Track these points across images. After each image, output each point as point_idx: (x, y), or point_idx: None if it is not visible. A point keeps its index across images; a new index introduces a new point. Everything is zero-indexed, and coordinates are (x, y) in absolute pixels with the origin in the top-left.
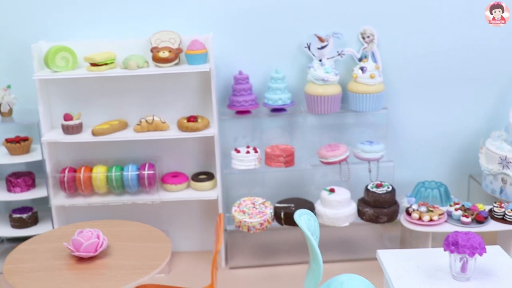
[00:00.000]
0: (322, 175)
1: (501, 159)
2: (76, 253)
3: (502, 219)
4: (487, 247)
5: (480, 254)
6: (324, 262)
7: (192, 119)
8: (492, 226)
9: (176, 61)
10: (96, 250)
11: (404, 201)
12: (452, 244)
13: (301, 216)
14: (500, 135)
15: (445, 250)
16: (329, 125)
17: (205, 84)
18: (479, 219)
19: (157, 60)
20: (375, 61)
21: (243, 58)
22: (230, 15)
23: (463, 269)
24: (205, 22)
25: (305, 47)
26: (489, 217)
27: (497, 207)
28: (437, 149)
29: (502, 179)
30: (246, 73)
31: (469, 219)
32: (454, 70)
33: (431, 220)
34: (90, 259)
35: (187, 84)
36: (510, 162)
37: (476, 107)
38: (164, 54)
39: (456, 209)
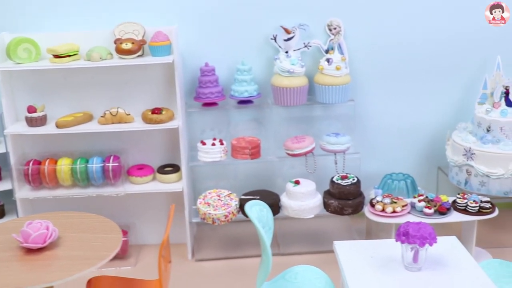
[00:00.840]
0: (290, 167)
1: (466, 151)
2: (25, 244)
3: (465, 210)
4: (443, 237)
5: (430, 244)
6: (290, 254)
7: (156, 111)
8: (455, 217)
9: (139, 53)
10: (44, 241)
11: (371, 193)
12: (403, 234)
13: (252, 207)
14: (466, 127)
15: (396, 240)
16: (297, 117)
17: (171, 76)
18: (442, 210)
19: (120, 51)
20: (341, 52)
21: (210, 50)
22: (197, 6)
23: (415, 259)
24: (170, 14)
25: (271, 39)
26: (452, 208)
27: (460, 198)
28: (406, 141)
29: (467, 171)
30: (213, 65)
31: (431, 210)
32: (421, 62)
33: (394, 211)
34: (39, 250)
35: (152, 76)
36: (474, 154)
37: (444, 99)
38: (127, 46)
39: (419, 201)
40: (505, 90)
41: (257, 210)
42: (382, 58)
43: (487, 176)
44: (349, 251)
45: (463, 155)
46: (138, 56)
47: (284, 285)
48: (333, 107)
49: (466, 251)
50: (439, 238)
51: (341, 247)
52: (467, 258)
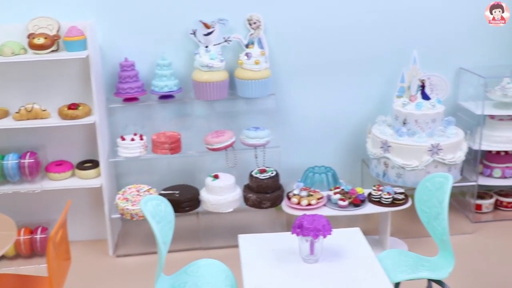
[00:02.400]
0: (212, 162)
1: (383, 143)
2: None
3: (379, 202)
4: (346, 229)
5: (324, 236)
6: (211, 248)
7: (72, 106)
8: (368, 208)
9: (54, 48)
10: None
11: (294, 186)
12: (297, 227)
13: (148, 202)
14: (385, 120)
15: (292, 233)
16: (219, 112)
17: (88, 71)
18: (356, 202)
19: (33, 46)
20: (261, 47)
21: (130, 45)
22: (115, 1)
23: (311, 251)
24: (86, 9)
25: (191, 34)
26: (366, 200)
27: (375, 190)
28: (329, 134)
29: (385, 163)
30: (133, 60)
31: (346, 203)
32: (342, 55)
33: (309, 204)
34: None
35: (69, 71)
36: (390, 146)
37: (365, 93)
38: (40, 41)
39: (335, 193)
40: (421, 84)
41: (153, 205)
42: (303, 52)
43: (403, 168)
44: (252, 245)
45: (380, 147)
46: (52, 51)
47: (185, 279)
48: (255, 101)
49: (366, 242)
50: (341, 230)
51: (244, 240)
52: (365, 249)
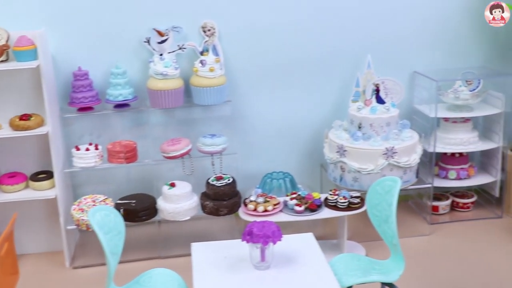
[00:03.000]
0: (169, 170)
1: (339, 148)
2: None
3: (335, 206)
4: (299, 235)
5: (274, 242)
6: (169, 257)
7: (24, 117)
8: (324, 213)
9: (3, 58)
10: None
11: (252, 193)
12: (247, 234)
13: (96, 213)
14: (341, 125)
15: (242, 240)
16: (176, 120)
17: (40, 81)
18: (312, 207)
19: None
20: (216, 54)
21: (83, 54)
22: (67, 10)
23: (262, 258)
24: (37, 18)
25: (145, 42)
26: (323, 205)
27: (331, 194)
28: (288, 140)
29: (341, 167)
30: (87, 69)
31: (302, 208)
32: (298, 61)
33: (265, 210)
34: None
35: (20, 82)
36: (346, 151)
37: (322, 97)
38: None
39: (291, 199)
40: (375, 88)
41: (102, 215)
42: (259, 59)
43: (359, 172)
44: (205, 253)
45: (336, 152)
46: (2, 61)
47: None
48: (211, 108)
49: (318, 247)
50: (294, 236)
51: (197, 249)
52: (317, 254)
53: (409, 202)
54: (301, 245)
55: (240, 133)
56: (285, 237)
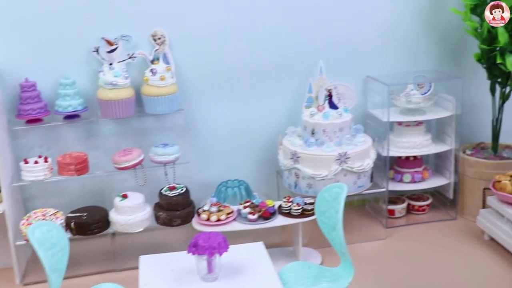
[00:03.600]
0: (122, 181)
1: (292, 154)
2: None
3: (289, 213)
4: (248, 244)
5: (220, 254)
6: (123, 270)
7: None
8: (278, 221)
9: None
10: None
11: (208, 202)
12: (193, 245)
13: (36, 229)
14: (295, 131)
15: (188, 252)
16: (128, 130)
17: None
18: (265, 215)
19: None
20: (167, 62)
21: (31, 65)
22: (11, 19)
23: (209, 269)
24: None
25: (94, 51)
26: (277, 212)
27: (285, 202)
28: (243, 147)
29: (295, 174)
30: (34, 80)
31: (255, 216)
32: (251, 67)
33: (218, 220)
34: None
35: None
36: (300, 157)
37: (276, 104)
38: None
39: (244, 207)
40: (328, 93)
41: (43, 231)
42: (211, 66)
43: (313, 178)
44: (153, 266)
45: (290, 158)
46: None
47: None
48: (163, 117)
49: (268, 257)
50: (244, 245)
51: (145, 261)
52: (266, 264)
53: (366, 206)
54: (250, 255)
55: (194, 142)
56: (234, 248)
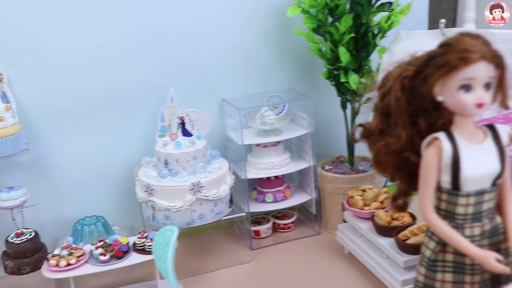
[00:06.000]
0: None
1: (146, 187)
2: None
3: (143, 250)
4: None
5: None
6: None
7: None
8: (131, 259)
9: None
10: None
11: (65, 242)
12: None
13: None
14: (150, 161)
15: None
16: None
17: None
18: (118, 255)
19: None
20: (7, 101)
21: None
22: None
23: None
24: None
25: None
26: (131, 250)
27: (139, 238)
28: (101, 181)
29: (152, 206)
30: None
31: (107, 257)
32: (102, 99)
33: (68, 264)
34: None
35: None
36: (154, 189)
37: (132, 134)
38: None
39: (96, 248)
40: (181, 121)
41: None
42: (57, 100)
43: (168, 209)
44: None
45: (145, 191)
46: None
47: None
48: (8, 159)
49: None
50: None
51: None
52: None
53: (234, 227)
54: None
55: (46, 180)
56: None
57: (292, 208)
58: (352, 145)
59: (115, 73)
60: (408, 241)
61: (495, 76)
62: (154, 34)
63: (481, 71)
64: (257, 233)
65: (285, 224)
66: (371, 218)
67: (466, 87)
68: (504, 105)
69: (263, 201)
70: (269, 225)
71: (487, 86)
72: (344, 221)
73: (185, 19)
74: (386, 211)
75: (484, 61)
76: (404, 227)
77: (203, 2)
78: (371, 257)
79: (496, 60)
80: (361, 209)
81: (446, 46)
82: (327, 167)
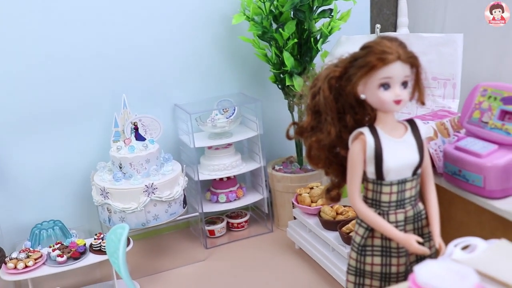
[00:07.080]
0: None
1: (102, 190)
2: None
3: (99, 250)
4: None
5: None
6: None
7: None
8: (88, 259)
9: None
10: None
11: (23, 247)
12: None
13: None
14: (105, 166)
15: None
16: None
17: None
18: (75, 256)
19: None
20: None
21: None
22: None
23: None
24: None
25: None
26: (88, 251)
27: (95, 239)
28: (60, 187)
29: (108, 209)
30: None
31: (64, 258)
32: (55, 109)
33: (26, 266)
34: None
35: None
36: (109, 192)
37: (87, 140)
38: None
39: (53, 250)
40: (134, 126)
41: None
42: (14, 111)
43: (124, 211)
44: None
45: (100, 194)
46: None
47: None
48: None
49: None
50: None
51: None
52: None
53: (190, 228)
54: None
55: (1, 188)
56: None
57: (245, 208)
58: (300, 145)
59: (69, 82)
60: (352, 234)
61: (411, 75)
62: (107, 44)
63: (398, 70)
64: (211, 232)
65: (238, 223)
66: (318, 213)
67: (385, 85)
68: (421, 102)
69: (217, 201)
70: (223, 224)
71: (404, 84)
72: (294, 218)
73: (136, 29)
74: (331, 206)
75: (399, 61)
76: (348, 221)
77: (154, 13)
78: (319, 251)
79: (411, 61)
80: (309, 206)
81: (366, 49)
82: (277, 167)
